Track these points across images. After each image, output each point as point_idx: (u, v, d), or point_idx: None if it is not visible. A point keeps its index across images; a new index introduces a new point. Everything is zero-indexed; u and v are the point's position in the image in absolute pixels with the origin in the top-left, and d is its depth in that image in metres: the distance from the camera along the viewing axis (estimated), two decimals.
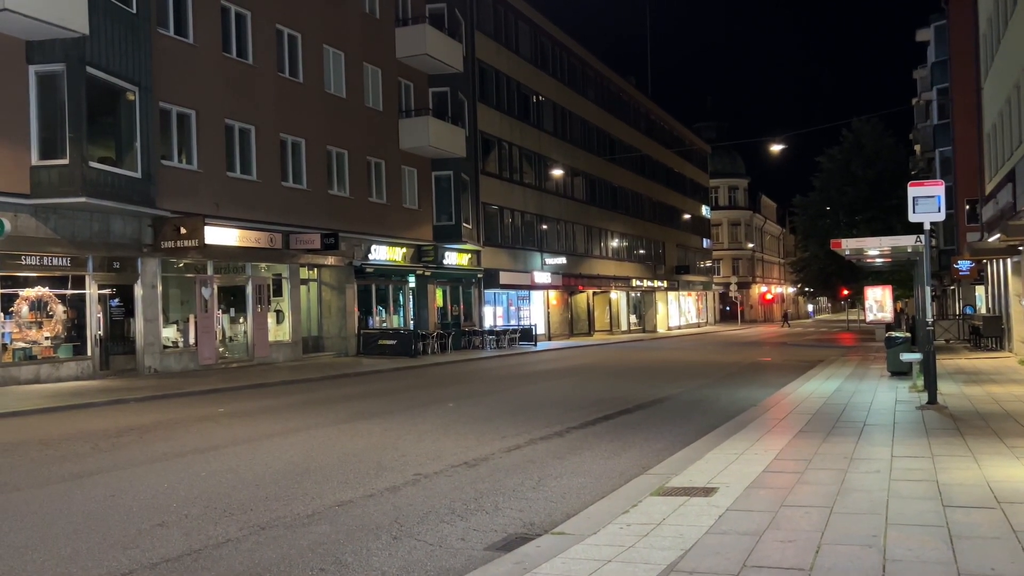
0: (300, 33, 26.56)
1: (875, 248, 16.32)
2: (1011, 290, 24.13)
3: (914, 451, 8.56)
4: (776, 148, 40.27)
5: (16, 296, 18.31)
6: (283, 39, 25.99)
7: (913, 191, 12.07)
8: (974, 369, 19.45)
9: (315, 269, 27.73)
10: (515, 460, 9.11)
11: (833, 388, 15.43)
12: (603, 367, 24.67)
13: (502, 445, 10.06)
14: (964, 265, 33.47)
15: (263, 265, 25.18)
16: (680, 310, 68.31)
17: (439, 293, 34.82)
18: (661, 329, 61.17)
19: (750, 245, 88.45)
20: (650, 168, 61.37)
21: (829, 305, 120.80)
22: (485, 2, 38.83)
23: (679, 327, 65.44)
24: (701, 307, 74.81)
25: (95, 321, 19.87)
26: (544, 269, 43.03)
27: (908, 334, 19.00)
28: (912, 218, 12.07)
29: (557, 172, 44.34)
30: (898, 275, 37.33)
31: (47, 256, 18.64)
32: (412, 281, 32.68)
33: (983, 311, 33.01)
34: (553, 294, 45.43)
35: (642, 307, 60.31)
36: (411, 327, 31.51)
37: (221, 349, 23.63)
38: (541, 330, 41.57)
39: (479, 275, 36.97)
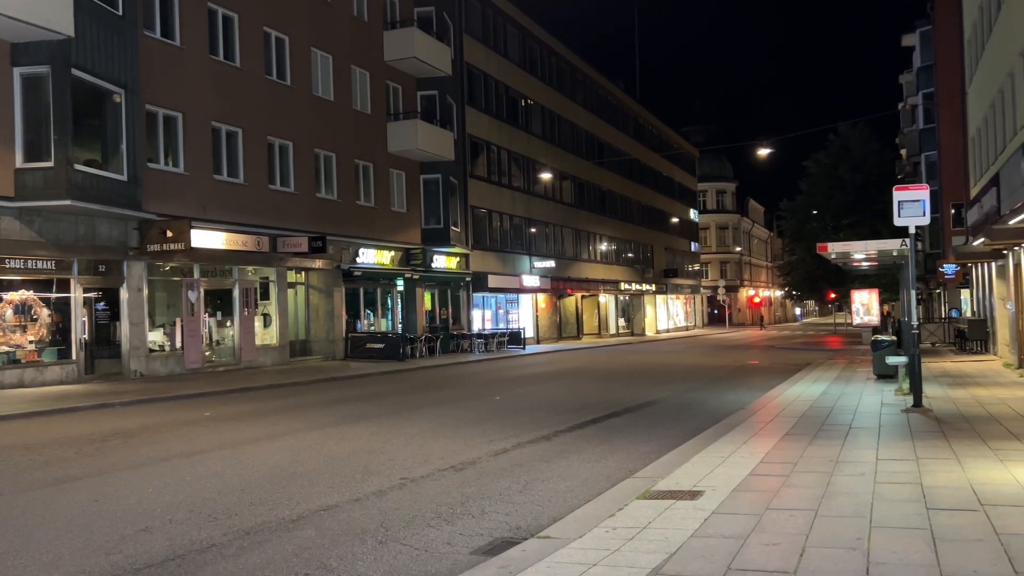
0: (288, 36, 26.51)
1: (861, 252, 16.40)
2: (996, 294, 24.31)
3: (899, 454, 8.60)
4: (763, 152, 40.48)
5: (0, 299, 18.17)
6: (271, 42, 25.93)
7: (898, 195, 12.15)
8: (959, 372, 19.58)
9: (303, 272, 27.65)
10: (502, 464, 9.10)
11: (820, 391, 15.49)
12: (591, 370, 24.68)
13: (489, 449, 10.05)
14: (949, 269, 33.72)
15: (250, 268, 25.09)
16: (668, 313, 68.48)
17: (427, 296, 34.78)
18: (649, 332, 61.29)
19: (738, 249, 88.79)
20: (638, 172, 61.52)
21: (816, 308, 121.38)
22: (474, 6, 38.87)
23: (667, 330, 65.59)
24: (689, 311, 75.01)
25: (80, 325, 19.74)
26: (533, 272, 43.05)
27: (894, 337, 19.09)
28: (897, 222, 12.15)
29: (546, 176, 44.40)
30: (884, 279, 37.63)
31: (31, 259, 18.52)
32: (400, 284, 32.63)
33: (968, 314, 33.25)
34: (542, 297, 45.46)
35: (630, 310, 60.42)
36: (399, 331, 31.46)
37: (208, 353, 23.52)
38: (530, 333, 41.59)
39: (468, 278, 36.95)
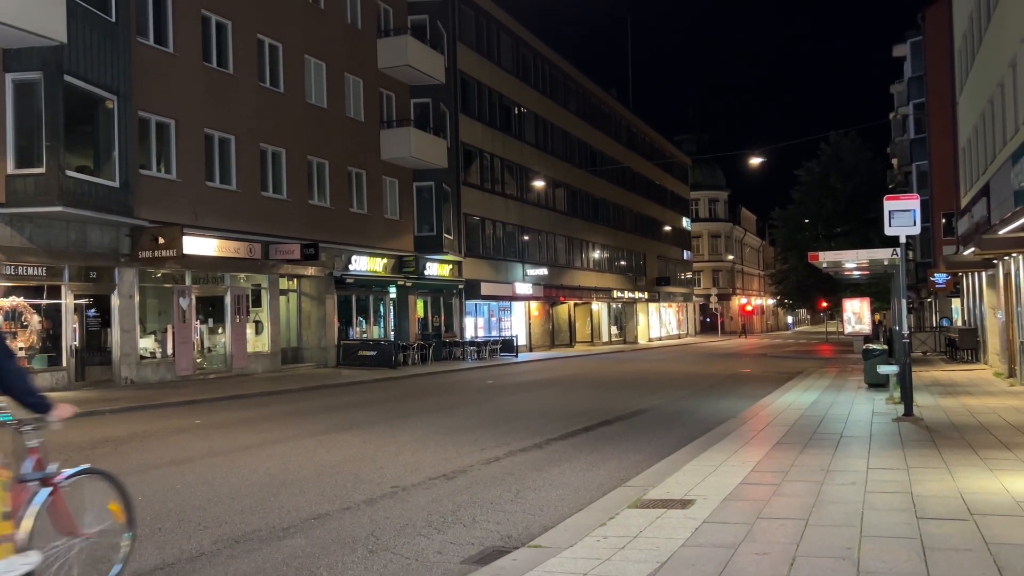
0: (281, 43, 26.52)
1: (852, 261, 16.49)
2: (986, 303, 24.42)
3: (890, 463, 8.62)
4: (756, 161, 40.66)
5: None
6: (264, 49, 25.93)
7: (889, 205, 12.22)
8: (950, 381, 19.65)
9: (295, 279, 27.60)
10: (494, 472, 9.09)
11: (811, 400, 15.53)
12: (583, 378, 24.68)
13: (481, 457, 10.04)
14: (940, 278, 33.86)
15: (242, 275, 25.03)
16: (661, 321, 68.56)
17: (420, 304, 34.75)
18: (642, 340, 61.34)
19: (730, 257, 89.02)
20: (631, 180, 61.67)
21: (808, 317, 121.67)
22: (467, 14, 38.97)
23: (660, 338, 65.66)
24: (682, 319, 75.13)
25: (71, 331, 19.65)
26: (525, 280, 43.07)
27: (885, 346, 19.17)
28: (888, 231, 12.21)
29: (539, 183, 44.48)
30: (876, 287, 37.72)
31: (22, 265, 18.44)
32: (393, 292, 32.60)
33: (959, 324, 33.38)
34: (534, 305, 45.47)
35: (623, 318, 60.48)
36: (392, 338, 31.41)
37: (199, 360, 23.44)
38: (522, 341, 41.57)
39: (460, 286, 36.94)
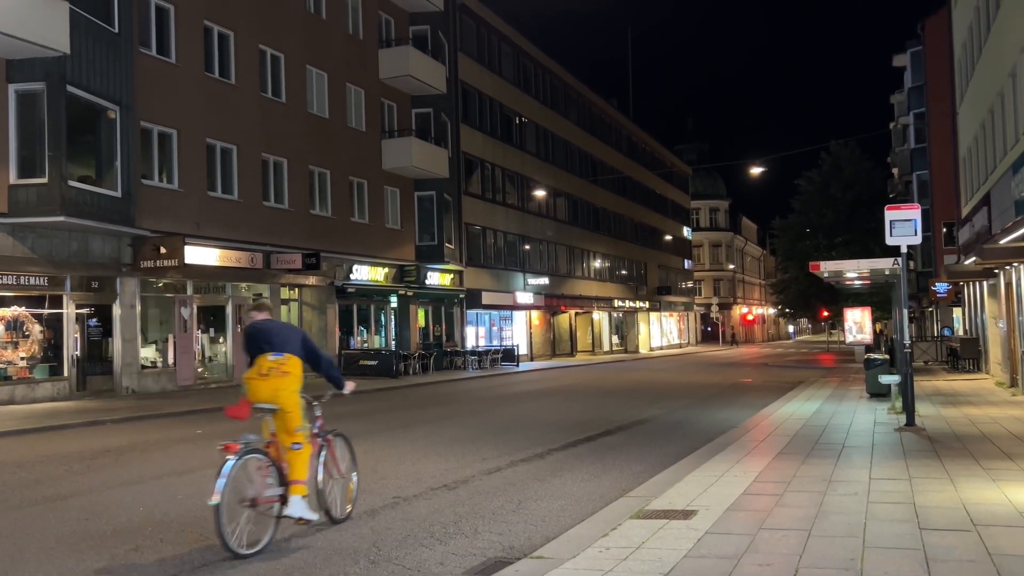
0: (283, 54, 26.61)
1: (853, 271, 16.48)
2: (988, 312, 24.40)
3: (892, 473, 8.60)
4: (756, 171, 40.74)
5: None
6: (266, 59, 26.02)
7: (890, 215, 12.23)
8: (952, 391, 19.62)
9: (296, 289, 27.62)
10: (495, 483, 9.07)
11: (813, 410, 15.50)
12: (585, 388, 24.66)
13: (483, 467, 10.02)
14: (941, 287, 33.86)
15: (244, 285, 25.05)
16: (662, 331, 68.53)
17: (421, 313, 34.75)
18: (643, 350, 61.29)
19: (731, 266, 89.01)
20: (632, 189, 61.75)
21: (810, 326, 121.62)
22: (468, 24, 39.12)
23: (661, 348, 65.62)
24: (683, 328, 75.08)
25: (72, 341, 19.66)
26: (526, 289, 43.07)
27: (887, 356, 19.15)
28: (889, 241, 12.22)
29: (540, 193, 44.54)
30: (877, 297, 37.72)
31: (24, 275, 18.46)
32: (394, 301, 32.61)
33: (960, 333, 33.35)
34: (535, 314, 45.45)
35: (624, 328, 60.45)
36: (393, 347, 31.40)
37: (200, 369, 23.44)
38: (523, 350, 41.54)
39: (461, 295, 36.95)
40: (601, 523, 6.65)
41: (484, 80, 40.33)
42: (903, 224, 12.06)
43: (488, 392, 23.45)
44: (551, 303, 46.10)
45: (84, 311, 20.14)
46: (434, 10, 34.42)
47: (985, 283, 24.26)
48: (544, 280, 44.84)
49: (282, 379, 6.70)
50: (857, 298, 33.26)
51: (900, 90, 48.52)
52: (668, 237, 69.60)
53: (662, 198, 69.90)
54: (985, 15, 20.57)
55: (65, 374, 19.45)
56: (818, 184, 56.52)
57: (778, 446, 10.74)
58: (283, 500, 6.42)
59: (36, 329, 18.94)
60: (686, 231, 77.50)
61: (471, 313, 38.43)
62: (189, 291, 23.00)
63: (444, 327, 36.64)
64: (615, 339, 58.67)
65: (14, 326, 18.54)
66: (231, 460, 6.11)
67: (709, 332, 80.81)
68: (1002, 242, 15.82)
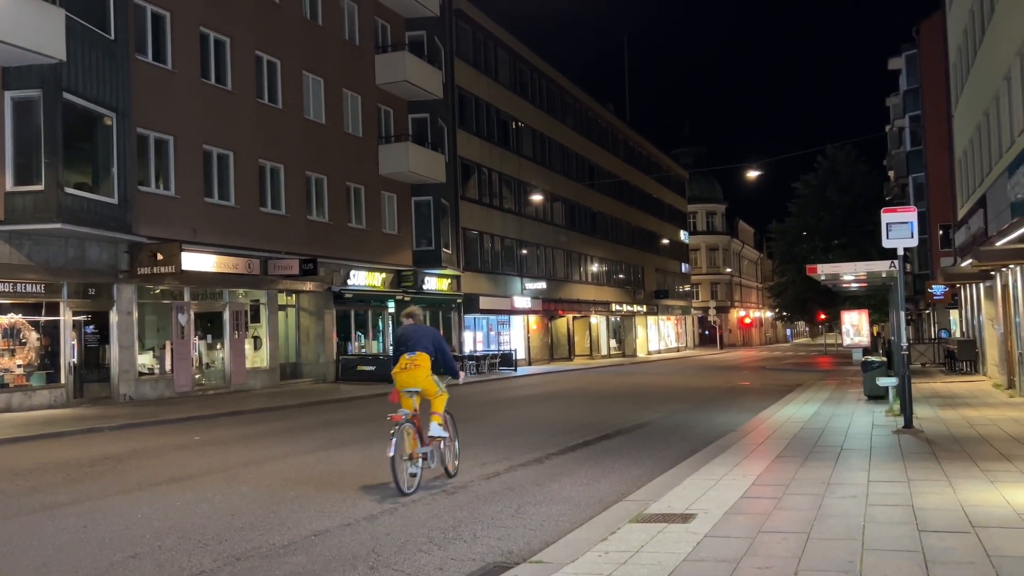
0: (279, 60, 26.63)
1: (850, 273, 16.51)
2: (984, 314, 24.44)
3: (890, 476, 8.61)
4: (753, 174, 40.79)
5: None
6: (262, 65, 26.03)
7: (886, 217, 12.25)
8: (949, 393, 19.64)
9: (293, 295, 27.60)
10: (494, 487, 9.06)
11: (811, 412, 15.51)
12: (583, 392, 24.65)
13: (481, 472, 10.01)
14: (938, 289, 33.92)
15: (241, 291, 25.03)
16: (660, 335, 68.54)
17: None
18: (641, 354, 61.30)
19: (728, 270, 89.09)
20: (629, 194, 61.82)
21: (807, 329, 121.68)
22: (464, 30, 39.18)
23: (659, 351, 65.62)
24: (680, 332, 75.10)
25: (69, 348, 19.63)
26: (524, 294, 43.08)
27: (884, 358, 19.16)
28: (886, 244, 12.24)
29: (537, 197, 44.57)
30: (874, 299, 37.78)
31: (20, 282, 18.43)
32: (392, 306, 32.58)
33: (957, 335, 33.39)
34: (533, 319, 45.45)
35: (622, 332, 60.46)
36: (391, 353, 31.32)
37: (197, 376, 23.40)
38: (521, 355, 41.54)
39: (459, 300, 36.94)
40: (600, 527, 6.65)
41: (480, 85, 40.38)
42: (899, 227, 12.08)
43: (486, 397, 23.43)
44: (549, 307, 46.10)
45: (81, 318, 20.11)
46: (430, 16, 34.47)
47: (982, 285, 24.30)
48: (542, 284, 44.86)
49: (416, 371, 9.11)
50: (854, 301, 33.29)
51: (896, 93, 48.65)
52: (665, 241, 69.67)
53: (659, 202, 69.97)
54: (980, 18, 20.64)
55: (62, 381, 19.41)
56: (815, 187, 56.64)
57: (776, 449, 10.75)
58: (425, 457, 8.87)
59: (33, 336, 18.91)
60: (683, 235, 77.57)
61: (469, 318, 38.42)
62: (186, 297, 22.97)
63: (442, 332, 36.61)
64: (613, 343, 58.68)
65: (11, 333, 18.51)
66: (397, 427, 8.60)
67: (707, 336, 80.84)
68: (998, 244, 15.84)
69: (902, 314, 13.63)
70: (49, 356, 19.30)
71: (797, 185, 58.29)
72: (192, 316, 23.07)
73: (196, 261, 22.17)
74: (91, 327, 20.50)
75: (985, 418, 13.92)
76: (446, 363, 9.61)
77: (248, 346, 25.40)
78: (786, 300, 64.90)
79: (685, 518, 6.80)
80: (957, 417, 14.20)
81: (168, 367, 22.36)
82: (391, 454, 8.38)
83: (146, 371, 21.93)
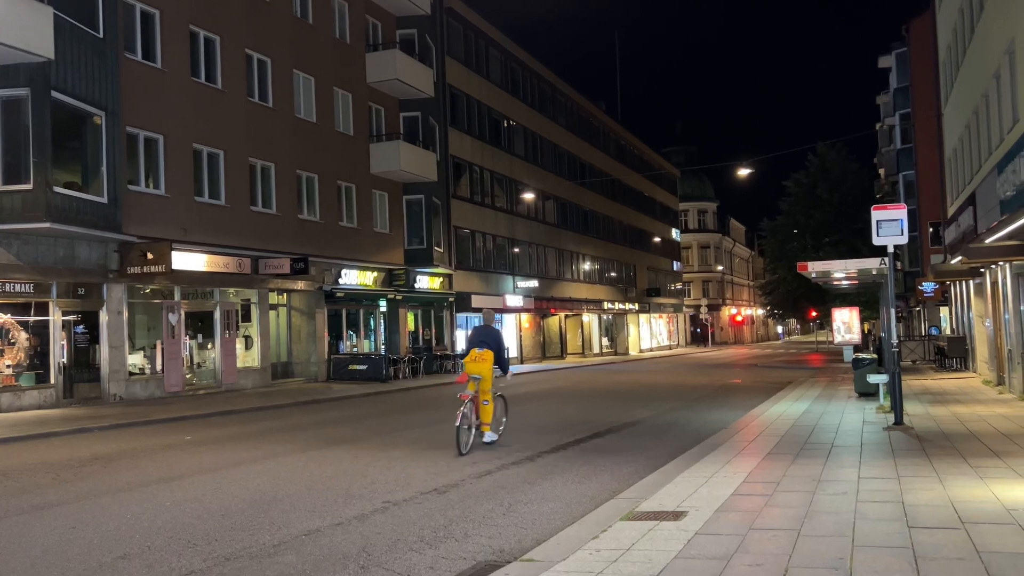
0: (270, 58, 26.54)
1: (841, 271, 16.55)
2: (974, 311, 24.56)
3: (881, 472, 8.64)
4: (744, 172, 40.88)
5: None
6: (252, 64, 25.94)
7: (877, 215, 12.28)
8: (939, 389, 19.73)
9: (284, 294, 27.53)
10: (486, 486, 9.05)
11: (802, 410, 15.55)
12: (575, 390, 24.66)
13: (473, 471, 10.00)
14: (928, 287, 34.06)
15: (231, 290, 24.95)
16: (651, 333, 68.63)
17: (411, 317, 34.69)
18: (633, 352, 61.37)
19: (719, 268, 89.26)
20: (620, 192, 61.87)
21: (798, 327, 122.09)
22: (456, 28, 39.12)
23: (651, 349, 65.70)
24: (672, 329, 75.22)
25: (59, 348, 19.53)
26: (516, 292, 43.07)
27: (875, 355, 19.23)
28: (876, 241, 12.28)
29: (528, 196, 44.55)
30: (865, 297, 37.88)
31: (9, 282, 18.33)
32: (383, 305, 32.54)
33: (947, 332, 33.54)
34: (525, 317, 45.45)
35: (614, 330, 60.52)
36: (382, 352, 31.32)
37: (188, 376, 23.31)
38: (513, 353, 41.52)
39: (451, 299, 36.91)
40: (591, 525, 6.65)
41: (472, 84, 40.34)
42: (890, 224, 12.12)
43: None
44: (541, 306, 46.10)
45: (71, 318, 20.01)
46: (421, 14, 34.41)
47: (971, 282, 24.41)
48: (534, 283, 44.86)
49: (482, 363, 11.75)
50: (845, 298, 33.40)
51: (886, 91, 48.83)
52: (657, 239, 69.76)
53: (651, 200, 70.05)
54: (969, 17, 20.71)
55: (52, 381, 19.32)
56: (805, 185, 56.76)
57: (768, 446, 10.77)
58: (479, 428, 11.77)
59: (22, 336, 18.80)
60: (675, 233, 77.68)
61: (461, 316, 38.39)
62: (177, 297, 22.88)
63: (434, 330, 36.59)
64: (605, 341, 58.74)
65: (0, 334, 18.40)
66: (465, 403, 11.35)
67: (698, 334, 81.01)
68: (987, 241, 15.90)
69: (892, 311, 13.67)
70: (38, 356, 19.19)
71: (788, 183, 58.43)
72: (183, 316, 22.98)
73: (186, 260, 22.09)
74: (81, 327, 20.40)
75: (975, 415, 13.98)
76: (500, 361, 12.15)
77: (239, 345, 25.32)
78: (777, 298, 65.06)
79: (676, 516, 6.81)
80: (947, 414, 14.26)
81: (159, 367, 22.27)
82: (457, 424, 11.15)
83: (136, 371, 21.84)
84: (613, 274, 59.84)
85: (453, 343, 37.29)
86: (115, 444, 13.28)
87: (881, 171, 55.97)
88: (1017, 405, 15.38)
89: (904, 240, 12.27)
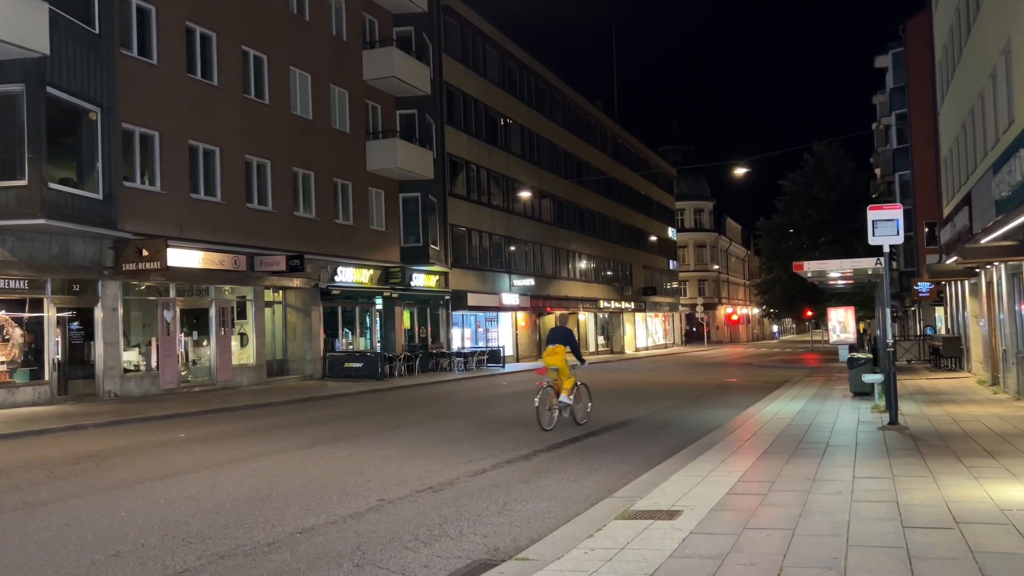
0: (266, 55, 26.48)
1: (836, 271, 16.57)
2: (969, 311, 24.61)
3: (875, 472, 8.65)
4: (740, 171, 40.90)
5: None
6: (249, 60, 25.88)
7: (872, 215, 12.28)
8: (934, 389, 19.76)
9: (280, 291, 27.48)
10: (481, 484, 9.05)
11: (797, 409, 15.57)
12: None
13: (468, 469, 10.00)
14: (924, 287, 34.09)
15: (227, 287, 24.89)
16: (647, 331, 68.67)
17: (406, 315, 34.66)
18: (629, 350, 61.40)
19: (715, 267, 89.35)
20: (617, 191, 61.87)
21: (794, 326, 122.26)
22: (453, 26, 39.07)
23: (646, 348, 65.74)
24: (668, 328, 75.28)
25: (53, 345, 19.48)
26: (512, 291, 43.05)
27: (870, 355, 19.25)
28: (872, 241, 12.28)
29: (525, 194, 44.54)
30: (860, 296, 37.95)
31: (4, 279, 18.29)
32: (379, 303, 32.51)
33: (943, 332, 33.60)
34: (521, 315, 45.44)
35: (610, 328, 60.54)
36: (378, 349, 31.30)
37: (183, 373, 23.27)
38: (509, 352, 41.52)
39: (447, 297, 36.89)
40: (586, 524, 6.64)
41: (469, 81, 40.29)
42: (885, 224, 12.12)
43: (474, 393, 23.42)
44: (537, 304, 46.10)
45: (65, 314, 19.96)
46: (418, 11, 34.36)
47: (967, 282, 24.46)
48: (530, 281, 44.84)
49: (556, 356, 13.96)
50: (840, 298, 33.45)
51: (882, 91, 48.86)
52: (653, 238, 69.79)
53: (647, 199, 70.08)
54: (966, 17, 20.74)
55: (46, 378, 19.26)
56: (801, 185, 56.80)
57: (763, 445, 10.78)
58: (561, 409, 13.76)
59: (16, 333, 18.75)
60: (671, 232, 77.72)
61: (457, 315, 38.37)
62: (172, 294, 22.83)
63: (430, 329, 36.57)
64: (601, 340, 58.76)
65: None
66: (542, 389, 13.60)
67: (694, 332, 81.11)
68: (983, 241, 15.92)
69: (888, 311, 13.69)
70: (33, 353, 19.14)
71: (784, 182, 58.47)
72: (178, 312, 22.94)
73: (182, 257, 22.04)
74: (76, 324, 20.35)
75: (970, 414, 14.01)
76: (575, 352, 14.39)
77: (235, 343, 25.28)
78: (773, 297, 65.13)
79: (671, 515, 6.81)
80: (942, 413, 14.29)
81: (154, 364, 22.22)
82: (536, 404, 13.39)
83: (131, 368, 21.79)
84: (609, 273, 59.86)
85: (449, 341, 37.27)
86: (109, 441, 13.25)
87: (877, 171, 55.99)
88: (1012, 405, 15.42)
89: (900, 240, 12.27)
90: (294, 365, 28.02)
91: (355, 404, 20.34)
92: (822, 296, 45.03)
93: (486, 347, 38.92)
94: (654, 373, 33.06)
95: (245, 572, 5.91)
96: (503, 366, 36.66)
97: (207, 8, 24.16)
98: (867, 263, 14.77)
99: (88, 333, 20.59)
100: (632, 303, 62.63)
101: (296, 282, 26.85)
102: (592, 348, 56.60)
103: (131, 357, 21.95)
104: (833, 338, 22.81)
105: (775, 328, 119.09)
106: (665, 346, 71.42)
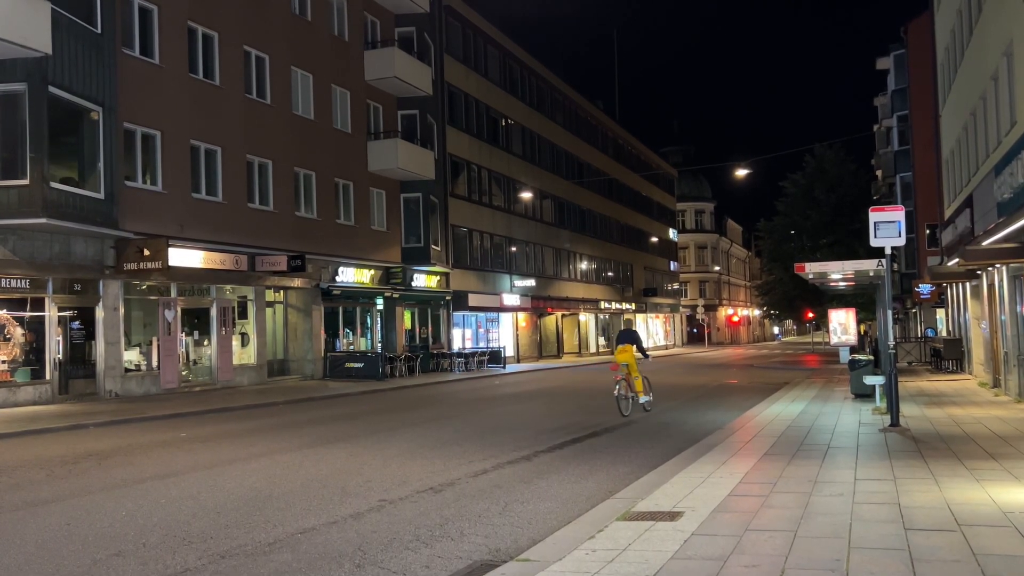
0: (268, 55, 26.49)
1: (838, 272, 16.57)
2: (970, 313, 24.59)
3: (877, 474, 8.63)
4: (741, 173, 40.88)
5: None
6: (251, 60, 25.89)
7: (874, 216, 12.28)
8: (935, 391, 19.75)
9: (281, 291, 27.48)
10: (482, 485, 9.04)
11: (798, 410, 15.56)
12: (572, 389, 24.65)
13: (469, 469, 9.99)
14: (925, 288, 34.09)
15: (228, 287, 24.89)
16: (648, 332, 68.62)
17: (407, 315, 34.66)
18: None
19: (716, 268, 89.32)
20: (618, 192, 61.87)
21: (795, 327, 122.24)
22: (454, 26, 39.08)
23: (647, 349, 65.67)
24: (669, 329, 75.25)
25: (54, 344, 19.48)
26: (513, 291, 43.05)
27: (871, 357, 19.24)
28: (873, 243, 12.27)
29: (526, 195, 44.54)
30: (861, 298, 37.93)
31: (5, 278, 18.28)
32: (380, 303, 32.50)
33: (944, 334, 33.58)
34: (522, 316, 45.43)
35: (610, 329, 60.49)
36: (379, 350, 31.29)
37: (184, 372, 23.27)
38: (510, 352, 41.52)
39: (448, 297, 36.89)
40: (587, 525, 6.63)
41: (470, 82, 40.30)
42: (887, 226, 12.12)
43: (474, 394, 23.41)
44: (538, 305, 46.09)
45: (66, 314, 19.96)
46: (420, 12, 34.37)
47: (968, 284, 24.44)
48: (531, 282, 44.84)
49: (625, 353, 16.08)
50: (842, 299, 33.42)
51: (884, 93, 48.84)
52: (654, 239, 69.78)
53: (648, 200, 70.07)
54: (967, 18, 20.73)
55: (47, 377, 19.26)
56: (802, 186, 56.78)
57: (764, 447, 10.77)
58: (634, 399, 16.00)
59: (18, 332, 18.75)
60: (672, 233, 77.71)
61: (457, 315, 38.36)
62: (173, 293, 22.83)
63: (430, 329, 36.57)
64: (601, 340, 58.75)
65: None
66: (619, 381, 15.83)
67: (695, 334, 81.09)
68: (984, 244, 15.90)
69: (889, 313, 13.68)
70: (34, 352, 19.14)
71: (785, 184, 58.45)
72: (179, 312, 22.94)
73: (183, 257, 22.04)
74: (77, 323, 20.35)
75: (971, 416, 14.00)
76: (641, 350, 16.44)
77: (235, 342, 25.28)
78: (774, 298, 65.11)
79: (672, 516, 6.80)
80: (943, 415, 14.27)
81: (155, 363, 22.22)
82: (616, 394, 15.77)
83: (132, 367, 21.79)
84: (610, 274, 59.85)
85: (450, 342, 37.27)
86: (110, 440, 13.25)
87: (878, 172, 55.98)
88: (1013, 407, 15.40)
89: (902, 242, 12.26)
90: (295, 365, 28.02)
91: (356, 404, 20.33)
92: (823, 298, 45.00)
93: (487, 348, 38.90)
94: (655, 374, 32.91)
95: (246, 572, 5.90)
96: (504, 366, 36.65)
97: (209, 8, 24.16)
98: (868, 265, 14.76)
99: (89, 332, 20.59)
100: (633, 304, 62.61)
101: (297, 282, 26.85)
102: (593, 349, 56.61)
103: (132, 357, 21.96)
104: (834, 340, 22.81)
105: (776, 330, 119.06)
106: (666, 347, 71.38)
